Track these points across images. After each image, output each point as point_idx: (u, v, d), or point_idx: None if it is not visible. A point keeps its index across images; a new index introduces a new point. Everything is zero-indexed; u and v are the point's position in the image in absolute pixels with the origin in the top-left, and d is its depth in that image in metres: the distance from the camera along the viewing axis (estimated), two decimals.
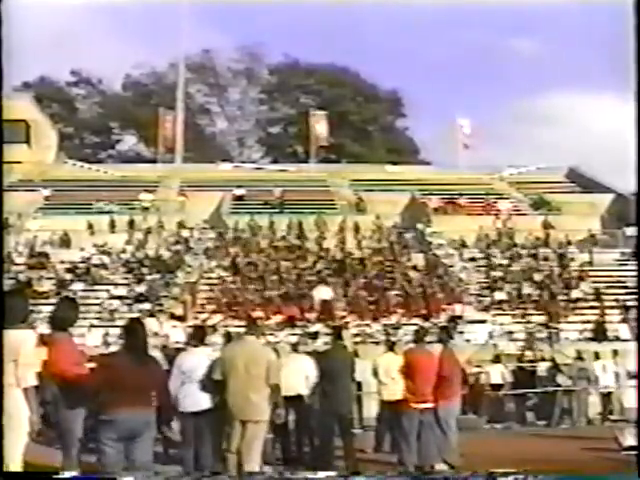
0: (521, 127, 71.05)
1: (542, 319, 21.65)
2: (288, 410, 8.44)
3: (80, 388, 5.91)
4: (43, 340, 5.94)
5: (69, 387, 5.85)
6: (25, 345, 5.27)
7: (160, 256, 25.40)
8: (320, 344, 15.33)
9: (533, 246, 26.95)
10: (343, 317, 21.40)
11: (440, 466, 8.77)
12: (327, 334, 20.48)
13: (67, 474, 5.78)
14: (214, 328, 18.41)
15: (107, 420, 5.70)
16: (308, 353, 10.24)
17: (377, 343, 18.30)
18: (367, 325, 21.17)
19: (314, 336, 15.99)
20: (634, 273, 22.23)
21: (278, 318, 21.10)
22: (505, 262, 25.66)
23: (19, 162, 31.04)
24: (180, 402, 7.20)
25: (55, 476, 5.78)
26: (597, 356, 16.54)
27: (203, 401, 7.37)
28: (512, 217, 29.24)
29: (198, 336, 8.05)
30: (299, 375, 9.11)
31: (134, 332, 6.05)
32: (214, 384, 7.23)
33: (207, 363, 7.43)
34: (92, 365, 6.16)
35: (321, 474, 6.95)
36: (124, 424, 5.68)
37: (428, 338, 9.20)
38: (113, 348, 7.76)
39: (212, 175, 34.18)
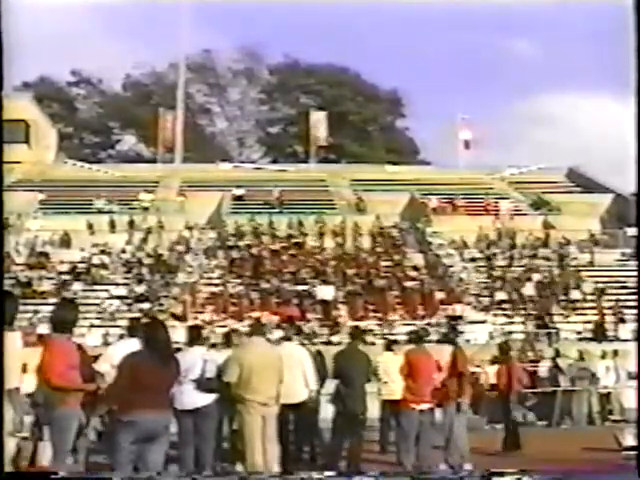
0: (521, 127, 71.06)
1: (542, 319, 21.66)
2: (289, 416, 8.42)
3: (85, 390, 5.92)
4: (40, 341, 5.95)
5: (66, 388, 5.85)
6: (10, 347, 5.27)
7: (160, 256, 25.41)
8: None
9: (533, 246, 26.96)
10: (340, 316, 21.45)
11: (440, 466, 8.79)
12: (324, 334, 20.63)
13: (62, 473, 5.77)
14: (214, 328, 18.48)
15: (127, 421, 5.62)
16: (318, 353, 10.17)
17: (376, 343, 18.30)
18: (369, 327, 21.16)
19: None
20: (634, 273, 22.23)
21: (278, 318, 21.08)
22: (505, 262, 25.68)
23: (19, 162, 31.04)
24: (178, 401, 7.20)
25: (54, 476, 5.77)
26: (603, 356, 16.52)
27: (201, 399, 7.40)
28: (512, 217, 29.25)
29: (194, 335, 8.07)
30: (296, 374, 8.51)
31: (155, 332, 5.98)
32: (220, 384, 7.27)
33: (204, 362, 7.47)
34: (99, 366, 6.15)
35: (320, 474, 6.96)
36: (144, 426, 5.62)
37: (434, 338, 9.22)
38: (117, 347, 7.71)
39: (212, 175, 34.18)
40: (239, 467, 7.56)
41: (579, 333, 21.17)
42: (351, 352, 8.94)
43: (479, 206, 30.60)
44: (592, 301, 22.94)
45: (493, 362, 17.07)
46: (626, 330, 20.31)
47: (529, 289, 23.47)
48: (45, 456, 6.06)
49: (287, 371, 7.80)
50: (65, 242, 26.65)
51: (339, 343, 17.21)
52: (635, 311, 19.69)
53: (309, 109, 43.88)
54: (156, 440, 5.72)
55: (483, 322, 21.48)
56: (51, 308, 6.68)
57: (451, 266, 25.40)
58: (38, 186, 31.20)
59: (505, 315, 22.27)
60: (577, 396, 15.68)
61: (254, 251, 25.88)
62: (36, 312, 19.39)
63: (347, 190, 33.21)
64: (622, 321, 21.08)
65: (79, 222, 27.63)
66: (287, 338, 9.10)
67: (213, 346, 8.86)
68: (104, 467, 7.00)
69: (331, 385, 9.03)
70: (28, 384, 6.02)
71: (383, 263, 25.41)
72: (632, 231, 24.99)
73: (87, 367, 6.17)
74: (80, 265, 24.63)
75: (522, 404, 11.72)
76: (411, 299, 22.57)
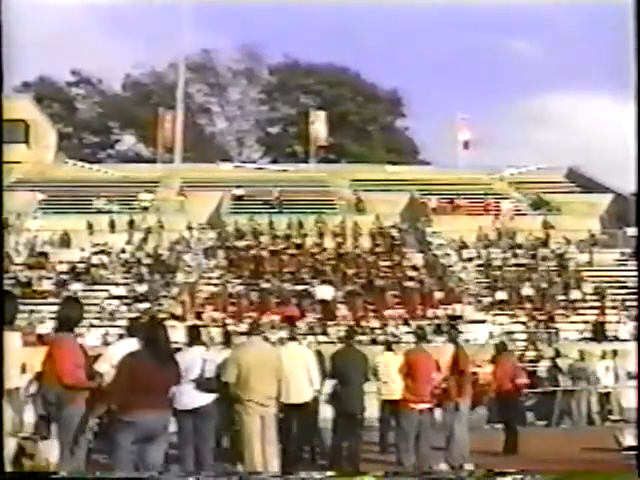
0: (521, 127, 71.02)
1: (542, 319, 21.66)
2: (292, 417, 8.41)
3: (90, 389, 5.92)
4: (45, 340, 5.96)
5: (74, 387, 5.85)
6: (10, 347, 5.27)
7: (160, 256, 25.40)
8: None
9: (533, 246, 26.96)
10: (340, 316, 21.45)
11: (440, 466, 8.79)
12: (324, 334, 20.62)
13: (63, 473, 5.76)
14: (213, 327, 18.46)
15: (126, 422, 5.62)
16: (318, 353, 10.15)
17: (377, 343, 18.31)
18: (370, 328, 21.17)
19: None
20: (634, 273, 22.23)
21: (277, 318, 21.09)
22: (505, 262, 25.67)
23: (19, 162, 31.04)
24: (178, 401, 7.20)
25: (54, 476, 5.76)
26: (603, 356, 16.52)
27: (201, 399, 7.40)
28: (512, 217, 29.25)
29: (194, 335, 8.09)
30: (301, 374, 8.58)
31: (155, 332, 5.98)
32: (219, 384, 7.26)
33: (203, 362, 7.48)
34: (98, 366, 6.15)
35: (320, 474, 6.96)
36: (143, 426, 5.62)
37: (434, 338, 9.24)
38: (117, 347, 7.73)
39: (212, 175, 34.17)
40: (239, 467, 7.56)
41: (579, 333, 21.16)
42: (348, 352, 8.94)
43: (479, 206, 30.59)
44: (592, 301, 22.94)
45: (492, 362, 17.12)
46: (626, 330, 20.31)
47: (529, 289, 23.47)
48: (49, 455, 6.05)
49: (292, 371, 7.79)
50: (65, 242, 26.64)
51: (340, 342, 17.22)
52: (635, 311, 19.69)
53: (309, 109, 43.84)
54: (155, 440, 5.71)
55: (483, 322, 21.47)
56: (56, 307, 6.68)
57: (451, 266, 25.41)
58: (38, 186, 31.18)
59: (505, 315, 22.26)
60: (577, 396, 15.67)
61: (254, 251, 25.88)
62: (33, 312, 19.40)
63: (347, 190, 33.20)
64: (622, 321, 21.08)
65: (79, 222, 27.61)
66: (292, 338, 9.10)
67: (206, 345, 8.85)
68: (104, 467, 7.00)
69: (330, 385, 9.03)
70: (41, 383, 5.99)
71: (383, 263, 25.41)
72: (632, 231, 25.00)
73: (88, 367, 6.18)
74: (80, 265, 24.62)
75: (520, 404, 11.69)
76: (411, 299, 22.56)
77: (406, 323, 21.00)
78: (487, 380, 16.08)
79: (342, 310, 22.00)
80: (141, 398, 5.59)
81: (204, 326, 17.18)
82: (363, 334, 20.49)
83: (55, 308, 6.65)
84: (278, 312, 21.32)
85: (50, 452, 5.95)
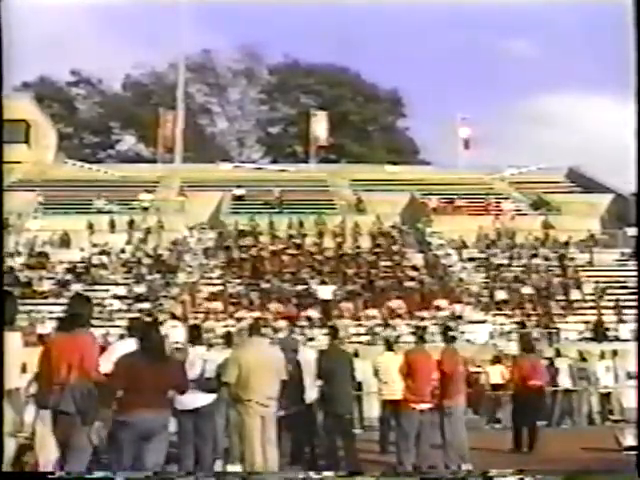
0: (521, 127, 70.98)
1: (542, 319, 21.65)
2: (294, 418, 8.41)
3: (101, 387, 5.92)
4: (69, 336, 5.95)
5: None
6: (10, 347, 5.28)
7: (160, 256, 25.40)
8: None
9: (533, 246, 26.96)
10: (341, 316, 21.44)
11: (440, 466, 8.79)
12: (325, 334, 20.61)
13: (63, 473, 5.75)
14: (213, 328, 18.46)
15: (123, 421, 5.66)
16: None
17: (377, 343, 18.32)
18: (371, 328, 21.16)
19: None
20: (634, 273, 22.23)
21: (278, 318, 21.07)
22: (505, 262, 25.68)
23: (19, 162, 31.04)
24: (178, 400, 7.21)
25: (51, 476, 5.76)
26: (602, 356, 16.52)
27: (201, 399, 7.40)
28: (512, 217, 29.25)
29: (194, 335, 8.11)
30: (305, 375, 8.77)
31: (148, 333, 6.02)
32: (219, 384, 7.27)
33: (204, 362, 7.49)
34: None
35: (320, 474, 6.96)
36: (141, 426, 5.66)
37: (435, 338, 9.24)
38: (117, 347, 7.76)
39: (212, 175, 34.17)
40: (239, 467, 7.57)
41: (579, 333, 21.15)
42: (332, 352, 8.93)
43: (479, 206, 30.60)
44: (592, 301, 22.93)
45: (494, 362, 17.12)
46: (626, 330, 20.30)
47: (529, 289, 23.46)
48: (50, 454, 6.04)
49: None
50: (65, 242, 26.63)
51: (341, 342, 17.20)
52: (635, 311, 19.69)
53: (309, 109, 43.86)
54: (153, 439, 5.73)
55: (483, 322, 21.46)
56: (56, 306, 6.70)
57: (451, 266, 25.40)
58: (38, 186, 31.17)
59: (505, 315, 22.25)
60: (577, 396, 15.68)
61: (254, 251, 25.87)
62: (33, 312, 19.37)
63: (347, 190, 33.20)
64: (622, 321, 21.07)
65: (79, 222, 27.59)
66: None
67: (211, 346, 8.87)
68: (103, 466, 7.00)
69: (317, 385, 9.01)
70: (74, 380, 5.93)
71: (383, 263, 25.40)
72: (632, 231, 25.00)
73: None
74: (80, 265, 24.62)
75: (543, 401, 11.67)
76: (411, 299, 22.55)
77: (406, 323, 20.97)
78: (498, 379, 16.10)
79: (342, 310, 21.97)
80: (137, 398, 5.61)
81: (200, 326, 17.15)
82: (363, 334, 20.55)
83: (55, 308, 6.65)
84: (278, 312, 21.31)
85: (51, 451, 5.95)
